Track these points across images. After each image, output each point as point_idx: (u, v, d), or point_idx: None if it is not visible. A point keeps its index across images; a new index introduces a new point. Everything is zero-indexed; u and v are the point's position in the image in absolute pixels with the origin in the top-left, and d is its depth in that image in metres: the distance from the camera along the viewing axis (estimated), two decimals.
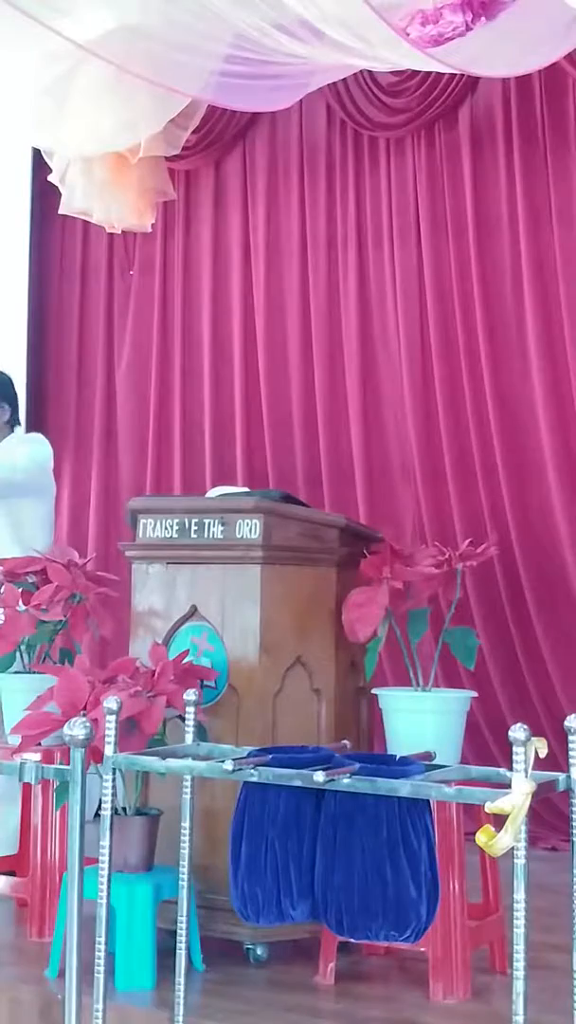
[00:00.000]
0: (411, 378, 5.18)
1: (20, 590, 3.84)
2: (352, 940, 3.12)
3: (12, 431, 4.44)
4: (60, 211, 5.66)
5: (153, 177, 5.62)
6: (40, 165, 5.83)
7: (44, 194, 5.97)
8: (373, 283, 5.34)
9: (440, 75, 4.83)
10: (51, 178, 5.60)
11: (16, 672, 3.86)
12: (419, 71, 4.75)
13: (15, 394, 4.49)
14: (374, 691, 3.66)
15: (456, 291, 5.20)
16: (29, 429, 5.98)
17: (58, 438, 6.14)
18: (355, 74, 4.98)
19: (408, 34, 3.39)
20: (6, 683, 3.85)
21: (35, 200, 6.14)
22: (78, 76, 4.93)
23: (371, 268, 5.35)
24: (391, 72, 4.88)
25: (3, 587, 3.85)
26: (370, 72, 5.01)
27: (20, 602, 3.81)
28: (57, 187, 5.60)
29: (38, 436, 4.63)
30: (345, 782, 2.50)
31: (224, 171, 5.79)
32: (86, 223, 5.85)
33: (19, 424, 4.49)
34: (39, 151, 5.77)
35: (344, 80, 5.06)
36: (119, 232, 5.79)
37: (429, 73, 4.80)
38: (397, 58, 3.70)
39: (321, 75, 4.42)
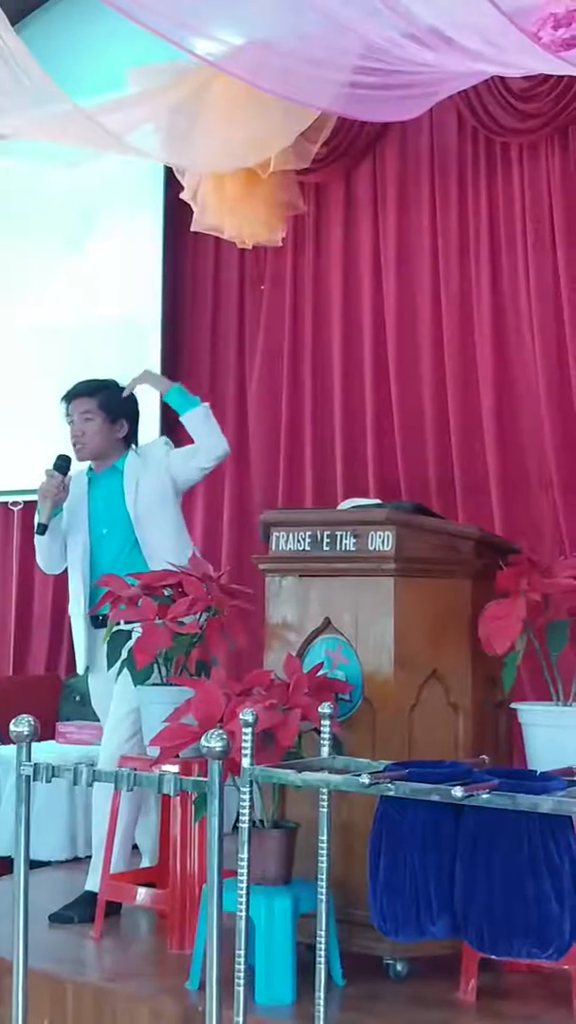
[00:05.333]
0: (547, 385, 5.10)
1: (157, 603, 3.89)
2: (493, 957, 3.07)
3: (128, 448, 4.42)
4: (192, 228, 5.74)
5: (283, 191, 5.67)
6: (172, 183, 5.92)
7: (176, 211, 6.05)
8: (507, 291, 5.27)
9: (574, 79, 4.74)
10: (183, 195, 5.68)
11: (154, 684, 3.90)
12: (552, 75, 4.69)
13: (137, 413, 4.48)
14: (513, 705, 3.60)
15: None
16: None
17: None
18: (486, 80, 4.92)
19: (540, 38, 3.34)
20: (145, 695, 3.90)
21: (167, 218, 6.22)
22: (208, 93, 5.00)
23: (505, 276, 5.29)
24: (523, 77, 4.82)
25: (141, 600, 3.90)
26: (501, 78, 4.95)
27: (157, 615, 3.86)
28: (188, 204, 5.68)
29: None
30: (484, 798, 2.46)
31: (354, 183, 5.78)
32: (217, 239, 5.92)
33: (136, 444, 4.45)
34: (170, 169, 5.86)
35: (475, 87, 5.01)
36: (250, 247, 5.84)
37: (562, 77, 4.73)
38: (529, 63, 3.65)
39: (451, 83, 4.39)
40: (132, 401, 4.46)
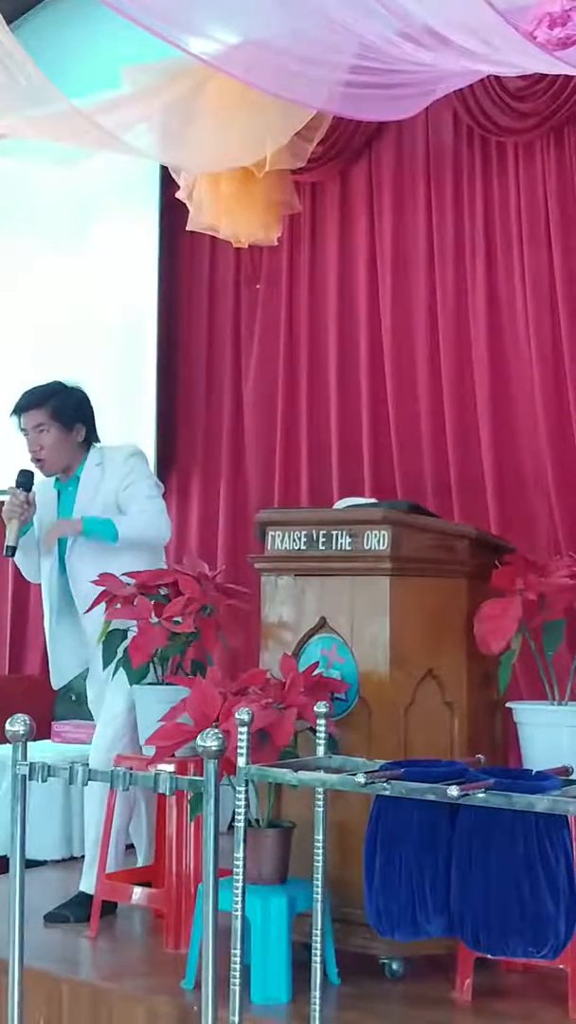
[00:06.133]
0: (543, 384, 5.10)
1: (152, 602, 3.89)
2: (489, 956, 3.07)
3: (90, 448, 4.26)
4: (188, 227, 5.73)
5: (279, 190, 5.66)
6: (168, 182, 5.91)
7: (172, 210, 6.04)
8: (503, 290, 5.27)
9: (569, 78, 4.75)
10: (179, 195, 5.67)
11: (150, 683, 3.89)
12: (547, 74, 4.69)
13: (92, 411, 4.31)
14: (509, 705, 3.60)
15: None
16: (159, 445, 6.09)
17: (188, 452, 6.22)
18: (481, 80, 4.92)
19: (535, 37, 3.34)
20: (140, 694, 3.89)
21: (163, 217, 6.21)
22: (204, 93, 5.00)
23: (500, 275, 5.28)
24: (518, 76, 4.82)
25: (136, 600, 3.90)
26: (497, 77, 4.95)
27: (153, 614, 3.85)
28: (184, 203, 5.68)
29: (141, 456, 4.34)
30: (480, 797, 2.46)
31: (350, 182, 5.78)
32: (213, 238, 5.91)
33: (98, 441, 4.30)
34: (166, 168, 5.85)
35: (470, 86, 5.00)
36: (246, 246, 5.84)
37: (558, 76, 4.73)
38: (524, 62, 3.65)
39: (447, 82, 4.38)
40: (85, 401, 4.31)
